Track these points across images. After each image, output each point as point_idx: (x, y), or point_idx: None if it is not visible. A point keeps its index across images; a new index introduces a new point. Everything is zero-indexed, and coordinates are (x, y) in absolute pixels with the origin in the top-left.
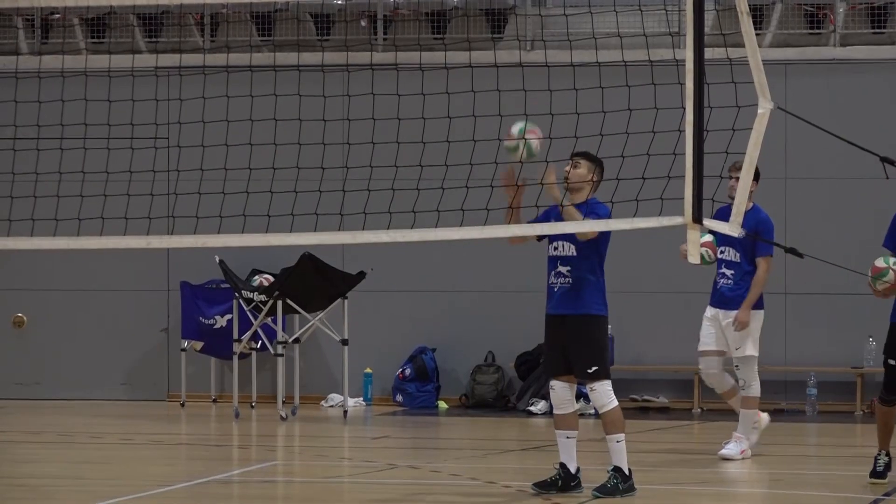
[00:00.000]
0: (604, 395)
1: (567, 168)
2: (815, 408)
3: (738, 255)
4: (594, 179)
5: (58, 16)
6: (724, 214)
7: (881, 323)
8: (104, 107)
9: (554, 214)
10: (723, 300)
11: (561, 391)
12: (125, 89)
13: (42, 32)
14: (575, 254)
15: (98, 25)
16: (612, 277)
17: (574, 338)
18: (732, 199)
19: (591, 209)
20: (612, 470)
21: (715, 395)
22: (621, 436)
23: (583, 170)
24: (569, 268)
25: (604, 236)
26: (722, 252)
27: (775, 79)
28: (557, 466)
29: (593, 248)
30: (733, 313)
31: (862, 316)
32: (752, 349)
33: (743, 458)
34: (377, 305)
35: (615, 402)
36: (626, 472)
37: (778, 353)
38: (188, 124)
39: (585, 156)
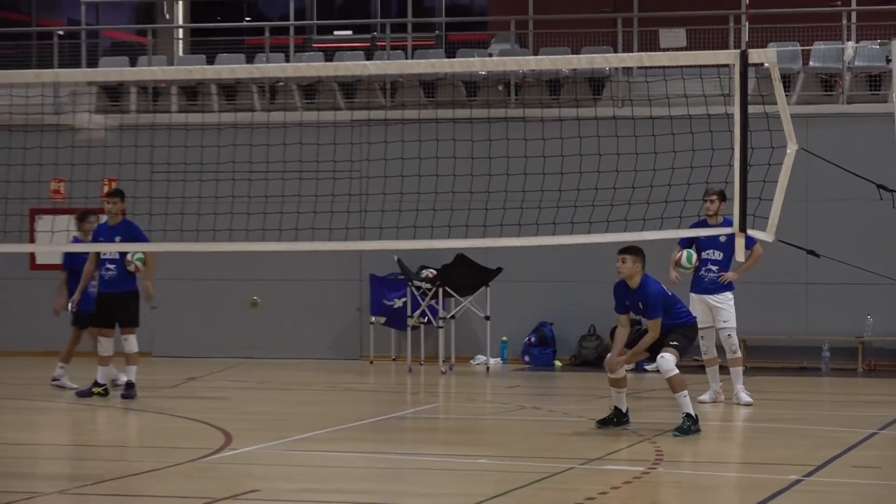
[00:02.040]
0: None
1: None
2: (828, 366)
3: (720, 254)
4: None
5: (281, 83)
6: (700, 225)
7: (877, 304)
8: (314, 149)
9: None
10: (709, 288)
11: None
12: (329, 136)
13: (270, 95)
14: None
15: (310, 90)
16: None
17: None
18: (706, 216)
19: None
20: (684, 416)
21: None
22: (684, 392)
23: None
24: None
25: None
26: (707, 253)
27: (799, 128)
28: (612, 409)
29: None
30: (718, 296)
31: (863, 299)
32: (733, 322)
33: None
34: (511, 291)
35: (676, 370)
36: (694, 416)
37: (801, 326)
38: (374, 161)
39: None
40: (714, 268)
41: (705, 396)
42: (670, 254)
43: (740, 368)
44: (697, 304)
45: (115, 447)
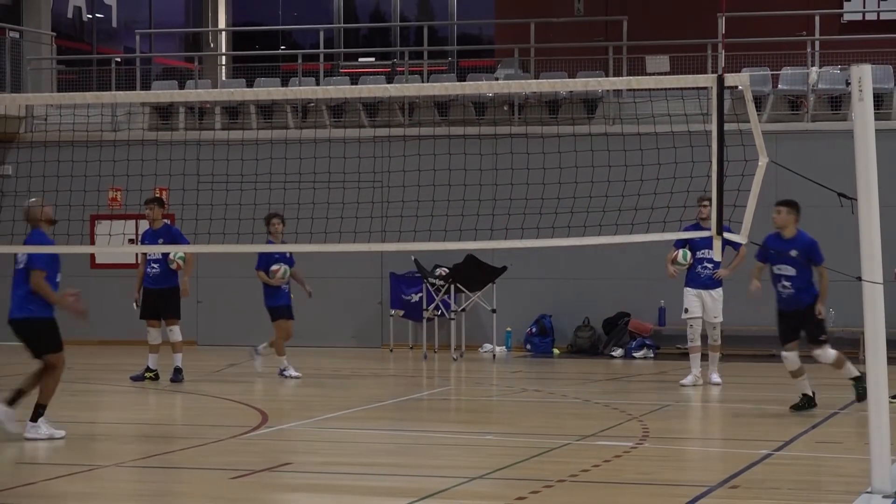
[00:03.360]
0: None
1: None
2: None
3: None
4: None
5: (312, 104)
6: (693, 228)
7: (838, 299)
8: (340, 162)
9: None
10: (706, 284)
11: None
12: (353, 150)
13: (302, 114)
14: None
15: (337, 110)
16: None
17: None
18: (700, 220)
19: None
20: (854, 381)
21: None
22: (848, 364)
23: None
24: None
25: None
26: (702, 253)
27: (769, 143)
28: (801, 396)
29: None
30: (713, 291)
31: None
32: (721, 316)
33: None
34: (514, 287)
35: (835, 353)
36: (861, 375)
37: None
38: (394, 172)
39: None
40: (710, 265)
41: (687, 380)
42: (662, 252)
43: (718, 354)
44: (693, 297)
45: (164, 425)
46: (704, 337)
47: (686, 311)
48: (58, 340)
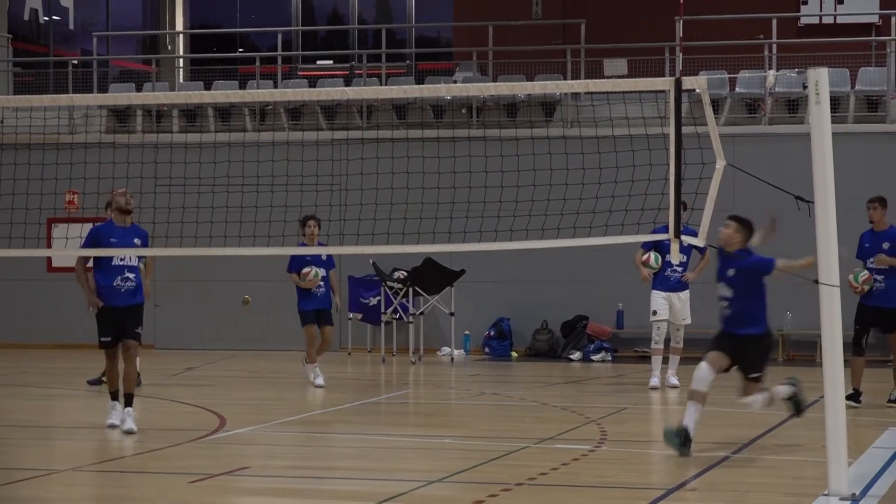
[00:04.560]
0: None
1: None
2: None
3: (684, 257)
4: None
5: (270, 107)
6: (662, 230)
7: (795, 302)
8: (299, 165)
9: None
10: (675, 287)
11: None
12: (311, 153)
13: (260, 117)
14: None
15: (295, 113)
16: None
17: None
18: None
19: None
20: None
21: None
22: (777, 392)
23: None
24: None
25: None
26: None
27: (726, 146)
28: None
29: None
30: (682, 294)
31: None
32: (689, 319)
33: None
34: (472, 291)
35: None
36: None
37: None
38: (353, 175)
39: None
40: (679, 268)
41: (654, 382)
42: (620, 255)
43: (678, 357)
44: (662, 300)
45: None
46: (667, 341)
47: (654, 313)
48: (102, 331)
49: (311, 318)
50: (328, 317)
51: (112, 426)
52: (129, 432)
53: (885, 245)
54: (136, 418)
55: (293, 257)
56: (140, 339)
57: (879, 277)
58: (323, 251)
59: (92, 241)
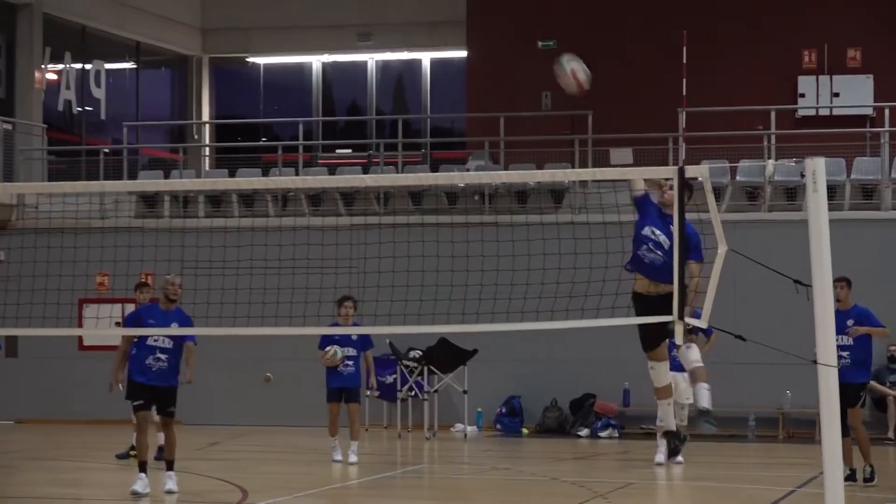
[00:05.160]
0: None
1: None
2: (754, 434)
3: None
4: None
5: (292, 193)
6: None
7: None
8: (319, 249)
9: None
10: (679, 367)
11: None
12: (331, 237)
13: (282, 204)
14: None
15: (315, 199)
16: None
17: None
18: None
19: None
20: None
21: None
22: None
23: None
24: None
25: None
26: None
27: (728, 232)
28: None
29: None
30: (685, 374)
31: (782, 376)
32: (692, 398)
33: None
34: (485, 369)
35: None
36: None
37: (730, 399)
38: (370, 259)
39: None
40: None
41: (660, 458)
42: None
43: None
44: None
45: (150, 501)
46: None
47: None
48: (133, 397)
49: (335, 396)
50: (353, 395)
51: (135, 493)
52: (169, 492)
53: (850, 322)
54: (177, 481)
55: (323, 336)
56: (173, 417)
57: (844, 354)
58: (352, 331)
59: (134, 320)
